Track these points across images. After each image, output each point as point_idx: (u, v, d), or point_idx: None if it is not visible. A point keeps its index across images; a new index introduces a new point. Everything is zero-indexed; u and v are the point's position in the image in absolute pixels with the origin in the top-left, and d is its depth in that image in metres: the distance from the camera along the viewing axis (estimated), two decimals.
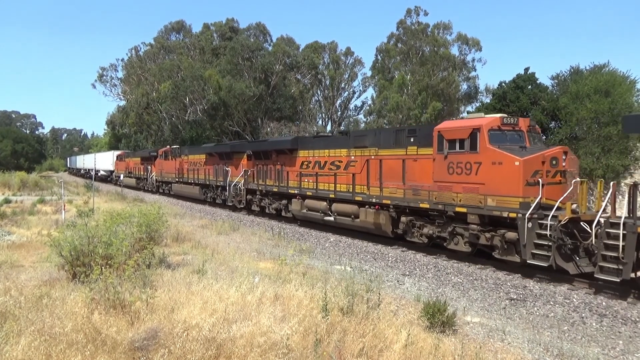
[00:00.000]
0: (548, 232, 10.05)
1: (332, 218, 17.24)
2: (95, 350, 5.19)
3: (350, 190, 16.13)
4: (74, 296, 7.08)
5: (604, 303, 9.12)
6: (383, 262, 12.99)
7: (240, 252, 13.30)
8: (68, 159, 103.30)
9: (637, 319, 8.25)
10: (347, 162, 16.37)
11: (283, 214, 21.21)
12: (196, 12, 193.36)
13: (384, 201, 14.53)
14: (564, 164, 11.12)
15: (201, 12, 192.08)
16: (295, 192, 19.36)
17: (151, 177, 40.52)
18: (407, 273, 11.81)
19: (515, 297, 9.67)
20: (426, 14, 56.78)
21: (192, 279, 8.61)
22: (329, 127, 60.54)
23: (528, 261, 10.54)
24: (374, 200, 14.98)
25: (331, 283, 8.74)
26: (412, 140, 13.66)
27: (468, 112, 50.47)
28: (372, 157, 15.12)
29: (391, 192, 14.32)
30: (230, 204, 25.72)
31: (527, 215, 10.40)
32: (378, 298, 7.54)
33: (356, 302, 7.20)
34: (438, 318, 6.95)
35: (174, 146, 36.64)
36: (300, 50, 60.87)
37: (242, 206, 24.46)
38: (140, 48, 71.26)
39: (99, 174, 59.03)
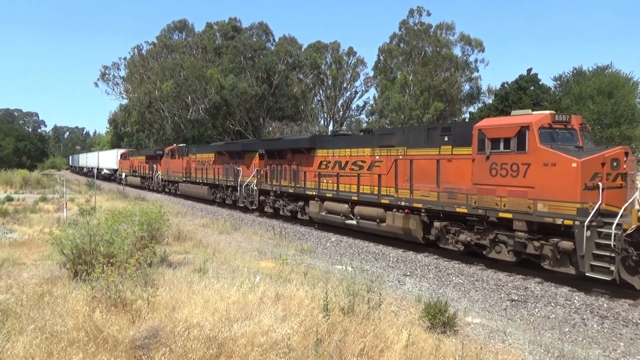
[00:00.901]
0: (612, 242, 8.99)
1: (354, 222, 16.15)
2: (97, 349, 5.20)
3: (376, 192, 15.06)
4: (76, 294, 7.10)
5: (605, 305, 9.10)
6: (384, 262, 12.98)
7: (242, 251, 13.31)
8: (70, 157, 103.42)
9: (639, 321, 8.23)
10: (372, 162, 15.33)
11: (299, 216, 20.30)
12: (199, 12, 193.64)
13: (415, 204, 13.44)
14: (625, 165, 9.97)
15: (204, 12, 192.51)
16: (314, 193, 18.26)
17: (157, 177, 39.61)
18: (409, 273, 11.81)
19: (516, 298, 9.66)
20: (429, 14, 56.89)
21: (193, 278, 8.62)
22: (330, 127, 60.60)
23: (587, 274, 9.52)
24: (403, 203, 13.89)
25: (332, 283, 8.74)
26: (446, 139, 12.64)
27: (470, 113, 50.54)
28: (401, 157, 14.06)
29: (423, 194, 13.21)
30: (242, 205, 24.76)
31: (585, 223, 9.34)
32: (379, 298, 7.54)
33: (357, 302, 7.20)
34: (439, 319, 6.94)
35: (181, 145, 35.88)
36: (302, 49, 60.95)
37: (254, 207, 23.49)
38: (143, 47, 71.56)
39: (102, 173, 58.30)
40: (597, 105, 34.03)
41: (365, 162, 15.69)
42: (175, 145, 36.68)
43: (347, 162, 16.62)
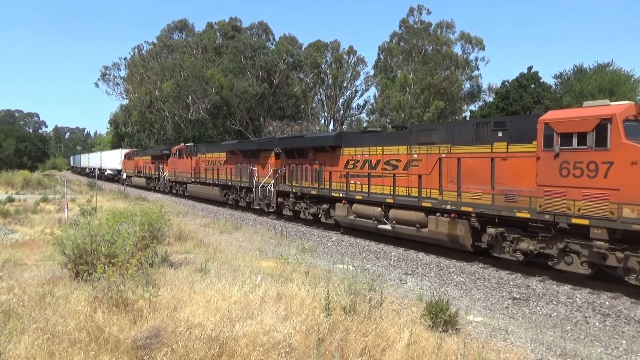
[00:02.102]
0: None
1: (388, 227, 14.74)
2: (98, 349, 5.20)
3: (414, 194, 13.79)
4: (77, 295, 7.10)
5: (607, 303, 9.09)
6: (385, 261, 12.97)
7: (243, 251, 13.32)
8: (71, 157, 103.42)
9: None
10: (408, 161, 14.04)
11: (322, 220, 18.85)
12: (199, 12, 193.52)
13: (464, 208, 12.17)
14: None
15: (204, 12, 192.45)
16: (340, 195, 16.91)
17: (163, 177, 38.27)
18: (410, 272, 11.80)
19: (518, 296, 9.65)
20: (429, 12, 56.86)
21: (194, 277, 8.62)
22: (331, 126, 60.58)
23: None
24: (448, 207, 12.58)
25: (333, 282, 8.74)
26: (499, 134, 11.41)
27: (471, 112, 50.50)
28: (445, 155, 12.82)
29: (473, 197, 11.91)
30: (257, 208, 23.34)
31: None
32: (380, 297, 7.53)
33: (358, 301, 7.19)
34: (440, 317, 6.94)
35: (189, 144, 34.77)
36: (302, 49, 60.94)
37: (272, 210, 22.13)
38: (143, 47, 71.61)
39: (105, 173, 57.71)
40: None
41: (400, 161, 14.41)
42: (183, 144, 35.59)
43: (378, 162, 15.32)
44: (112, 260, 7.99)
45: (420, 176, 13.58)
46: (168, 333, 5.63)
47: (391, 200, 14.63)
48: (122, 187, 41.06)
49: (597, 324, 8.08)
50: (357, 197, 16.13)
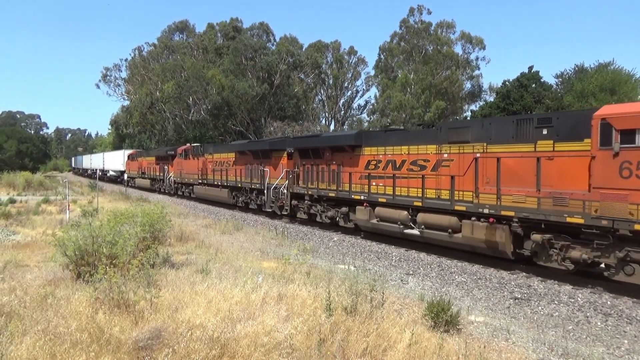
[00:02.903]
0: None
1: (416, 231, 13.82)
2: (100, 350, 5.20)
3: (444, 196, 12.89)
4: (79, 296, 7.11)
5: (608, 302, 9.07)
6: (387, 262, 12.97)
7: (244, 251, 13.32)
8: (73, 158, 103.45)
9: None
10: (437, 162, 13.19)
11: (341, 223, 17.89)
12: (200, 12, 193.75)
13: (504, 212, 11.19)
14: None
15: (204, 12, 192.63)
16: (362, 197, 15.87)
17: (169, 178, 37.12)
18: (411, 272, 11.79)
19: (519, 296, 9.63)
20: (429, 12, 56.87)
21: (196, 278, 8.62)
22: (332, 127, 60.59)
23: None
24: (486, 210, 11.62)
25: (335, 282, 8.74)
26: (544, 132, 10.55)
27: (471, 111, 50.45)
28: (480, 154, 11.91)
29: (516, 200, 10.95)
30: (269, 210, 22.35)
31: None
32: (382, 297, 7.52)
33: (360, 301, 7.19)
34: (442, 317, 6.93)
35: (195, 144, 33.82)
36: (303, 49, 60.98)
37: (285, 213, 21.15)
38: (144, 48, 71.65)
39: (108, 175, 57.16)
40: (600, 102, 33.92)
41: (428, 161, 13.51)
42: (189, 144, 34.72)
43: (403, 162, 14.37)
44: (113, 261, 8.00)
45: (452, 177, 12.57)
46: (169, 334, 5.64)
47: (420, 204, 13.61)
48: (131, 189, 40.62)
49: (598, 323, 8.06)
50: (380, 199, 15.16)
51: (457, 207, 12.47)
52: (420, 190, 13.60)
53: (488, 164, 11.73)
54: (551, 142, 10.46)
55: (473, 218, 12.06)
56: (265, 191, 22.12)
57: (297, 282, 8.41)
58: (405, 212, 14.21)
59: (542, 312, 8.65)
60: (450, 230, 12.70)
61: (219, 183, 27.38)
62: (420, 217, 13.66)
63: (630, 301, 9.07)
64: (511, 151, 11.26)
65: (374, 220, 15.47)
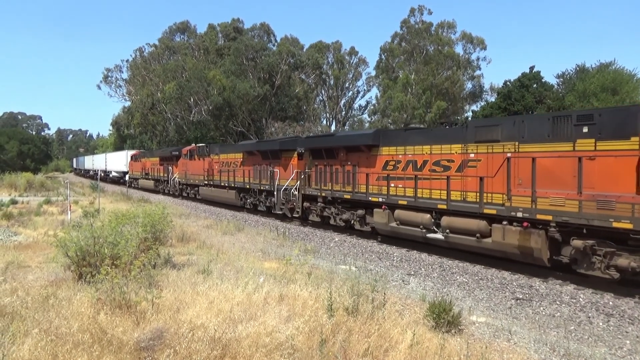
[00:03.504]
0: None
1: (440, 236, 13.07)
2: (102, 351, 5.21)
3: (470, 198, 12.15)
4: (80, 296, 7.12)
5: (610, 303, 9.06)
6: (388, 262, 12.96)
7: (245, 252, 13.32)
8: (75, 159, 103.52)
9: None
10: (463, 162, 12.46)
11: (357, 227, 17.21)
12: (201, 13, 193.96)
13: (541, 216, 10.42)
14: None
15: (205, 13, 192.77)
16: (380, 200, 15.14)
17: (173, 179, 36.37)
18: (412, 273, 11.78)
19: (521, 296, 9.62)
20: (430, 12, 56.92)
21: (197, 279, 8.63)
22: (333, 127, 60.62)
23: None
24: (520, 214, 10.85)
25: (336, 283, 8.74)
26: (584, 130, 9.83)
27: (473, 112, 50.47)
28: (510, 154, 11.20)
29: (553, 203, 10.21)
30: (280, 212, 21.56)
31: None
32: (383, 298, 7.52)
33: (361, 302, 7.19)
34: (443, 318, 6.92)
35: (200, 144, 33.09)
36: (304, 50, 61.02)
37: (297, 215, 20.46)
38: (145, 49, 71.78)
39: (111, 176, 56.88)
40: (601, 103, 33.91)
41: (453, 161, 12.78)
42: (194, 145, 34.10)
43: (425, 162, 13.66)
44: (115, 262, 8.01)
45: (481, 179, 11.81)
46: (171, 334, 5.64)
47: (444, 206, 12.82)
48: (131, 189, 40.36)
49: (600, 324, 8.05)
50: (400, 202, 14.33)
51: (486, 210, 11.70)
52: (444, 192, 12.87)
53: (520, 164, 10.97)
54: (592, 140, 9.70)
55: (504, 222, 11.29)
56: (275, 193, 21.43)
57: (298, 283, 8.41)
58: (428, 215, 13.46)
59: (543, 313, 8.64)
60: (478, 235, 11.90)
61: (226, 184, 26.71)
62: (445, 220, 12.85)
63: (632, 301, 9.05)
64: (547, 151, 10.49)
65: (393, 224, 14.75)
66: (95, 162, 68.70)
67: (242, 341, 5.50)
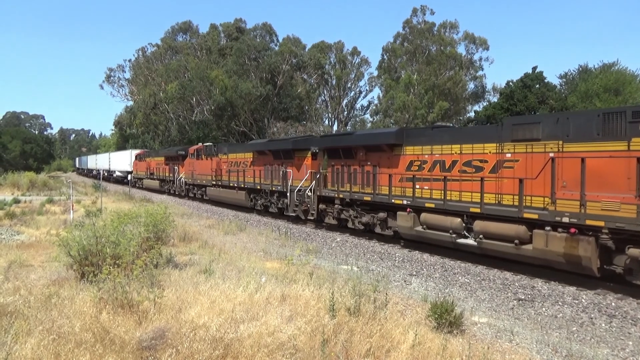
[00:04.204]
0: None
1: (471, 241, 12.20)
2: (104, 350, 5.22)
3: (507, 202, 11.30)
4: (83, 296, 7.13)
5: (613, 304, 9.03)
6: (390, 262, 12.95)
7: (247, 252, 13.34)
8: (77, 159, 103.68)
9: None
10: (498, 162, 11.64)
11: (378, 230, 16.11)
12: (202, 13, 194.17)
13: (591, 222, 9.54)
14: None
15: (207, 13, 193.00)
16: (405, 202, 14.27)
17: (179, 180, 35.59)
18: (414, 273, 11.77)
19: (523, 297, 9.60)
20: (432, 13, 56.95)
21: (199, 278, 8.64)
22: (335, 127, 60.59)
23: None
24: (566, 219, 9.98)
25: (338, 283, 8.74)
26: None
27: (475, 112, 50.43)
28: (555, 154, 10.37)
29: (606, 208, 9.34)
30: (293, 214, 20.75)
31: None
32: (385, 298, 7.52)
33: (363, 302, 7.19)
34: (445, 318, 6.91)
35: (208, 144, 32.37)
36: (306, 50, 60.98)
37: (312, 218, 19.52)
38: (148, 49, 71.85)
39: (115, 175, 56.61)
40: (604, 103, 33.83)
41: (486, 161, 11.95)
42: (201, 144, 33.39)
43: (454, 162, 12.84)
44: (117, 262, 8.03)
45: (521, 180, 10.98)
46: (173, 334, 5.65)
47: (477, 210, 11.97)
48: (135, 189, 40.19)
49: (603, 325, 8.03)
50: (427, 205, 13.49)
51: (526, 215, 10.80)
52: (476, 194, 12.06)
53: (565, 165, 10.16)
54: None
55: (547, 228, 10.44)
56: (289, 194, 20.61)
57: (300, 283, 8.41)
58: (459, 219, 12.59)
59: (546, 313, 8.62)
60: (517, 241, 10.95)
61: (235, 185, 25.95)
62: (479, 225, 11.95)
63: (635, 302, 9.03)
64: (596, 150, 9.64)
65: (419, 228, 13.86)
66: (98, 161, 68.47)
67: (244, 341, 5.50)
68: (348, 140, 17.34)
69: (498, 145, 11.70)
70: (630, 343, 7.19)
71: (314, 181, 18.90)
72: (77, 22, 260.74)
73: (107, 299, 6.75)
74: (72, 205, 20.49)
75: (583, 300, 9.27)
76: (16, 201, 26.31)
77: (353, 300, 7.09)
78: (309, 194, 19.13)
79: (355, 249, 14.94)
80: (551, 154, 10.46)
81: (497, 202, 11.62)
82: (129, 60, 74.30)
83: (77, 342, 5.34)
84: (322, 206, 18.76)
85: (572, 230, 9.97)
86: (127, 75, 74.10)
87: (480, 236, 11.88)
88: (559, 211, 10.17)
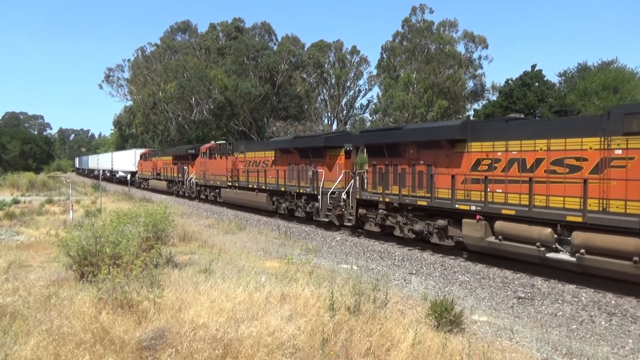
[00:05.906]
0: None
1: (568, 257, 10.11)
2: (104, 350, 5.21)
3: (618, 209, 9.18)
4: (82, 296, 7.12)
5: (613, 301, 9.04)
6: (390, 261, 12.95)
7: (247, 251, 13.34)
8: (77, 159, 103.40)
9: None
10: (603, 160, 9.52)
11: (435, 240, 13.62)
12: (201, 13, 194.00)
13: None
14: None
15: (206, 13, 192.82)
16: (473, 208, 12.01)
17: (189, 180, 33.55)
18: (414, 272, 11.77)
19: (523, 295, 9.60)
20: (431, 11, 56.80)
21: (199, 278, 8.63)
22: (334, 126, 60.59)
23: None
24: None
25: (338, 282, 8.73)
26: None
27: (474, 110, 50.46)
28: None
29: None
30: (326, 220, 18.51)
31: None
32: (385, 297, 7.52)
33: (363, 301, 7.19)
34: (445, 317, 6.91)
35: (221, 142, 30.54)
36: (305, 49, 60.96)
37: (349, 224, 17.28)
38: (147, 48, 71.74)
39: (117, 175, 55.64)
40: (603, 101, 33.80)
41: (585, 159, 9.84)
42: (214, 142, 31.56)
43: (538, 161, 10.74)
44: (116, 262, 8.02)
45: None
46: (172, 334, 5.64)
47: (579, 219, 9.79)
48: (139, 190, 39.63)
49: (603, 323, 8.03)
50: (504, 211, 11.32)
51: None
52: (573, 199, 10.02)
53: None
54: None
55: None
56: (320, 197, 18.40)
57: (300, 282, 8.40)
58: (549, 230, 10.39)
59: (545, 312, 8.62)
60: (636, 259, 8.86)
61: (255, 186, 23.63)
62: (579, 237, 9.76)
63: (634, 300, 9.03)
64: None
65: (492, 238, 11.68)
66: (100, 161, 67.05)
67: (244, 340, 5.50)
68: (396, 135, 14.91)
69: (603, 139, 9.54)
70: (630, 341, 7.19)
71: (353, 182, 16.81)
72: (76, 22, 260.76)
73: (107, 299, 6.74)
74: (72, 206, 20.48)
75: (583, 299, 9.27)
76: (16, 201, 26.31)
77: (353, 299, 7.09)
78: (344, 197, 17.21)
79: (354, 248, 14.93)
80: None
81: (601, 209, 9.51)
82: (128, 60, 74.28)
83: (77, 343, 5.33)
84: (362, 211, 16.40)
85: None
86: (126, 75, 74.08)
87: (582, 251, 9.67)
88: None
